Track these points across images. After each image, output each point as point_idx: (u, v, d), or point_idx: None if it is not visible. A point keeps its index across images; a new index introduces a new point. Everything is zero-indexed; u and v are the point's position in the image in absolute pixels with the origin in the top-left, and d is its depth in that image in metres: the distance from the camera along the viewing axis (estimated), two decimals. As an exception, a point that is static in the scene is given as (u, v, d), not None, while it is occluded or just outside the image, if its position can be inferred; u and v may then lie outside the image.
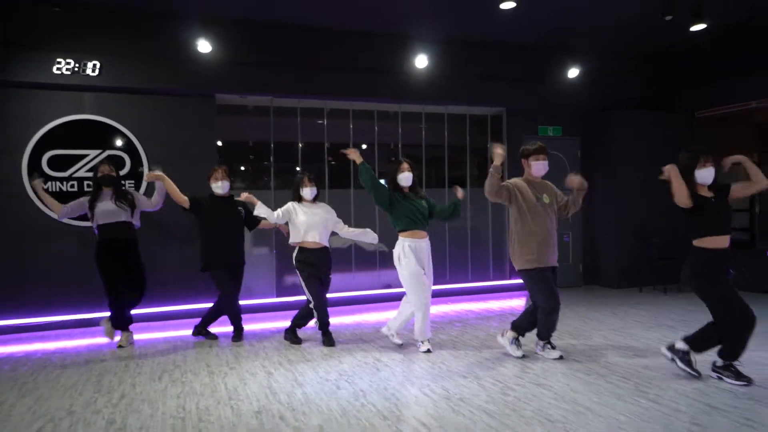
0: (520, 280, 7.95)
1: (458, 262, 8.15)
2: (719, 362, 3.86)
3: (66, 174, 6.24)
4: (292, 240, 5.21)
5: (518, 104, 8.19)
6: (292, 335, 5.32)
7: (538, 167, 4.47)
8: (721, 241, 3.81)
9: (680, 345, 3.94)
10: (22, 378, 4.37)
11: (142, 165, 6.52)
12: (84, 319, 6.19)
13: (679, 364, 3.91)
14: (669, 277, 7.70)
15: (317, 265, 5.11)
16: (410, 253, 4.71)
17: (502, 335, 4.71)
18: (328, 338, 5.17)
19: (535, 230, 4.33)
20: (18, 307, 6.03)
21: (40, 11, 6.02)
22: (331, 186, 7.47)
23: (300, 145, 7.37)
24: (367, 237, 5.34)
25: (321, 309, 5.09)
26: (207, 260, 5.30)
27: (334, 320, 6.25)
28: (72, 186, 6.25)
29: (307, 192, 5.19)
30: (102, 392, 3.93)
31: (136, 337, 5.54)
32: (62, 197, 6.00)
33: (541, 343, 4.60)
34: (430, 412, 3.38)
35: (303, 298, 5.32)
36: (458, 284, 8.04)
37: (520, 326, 4.62)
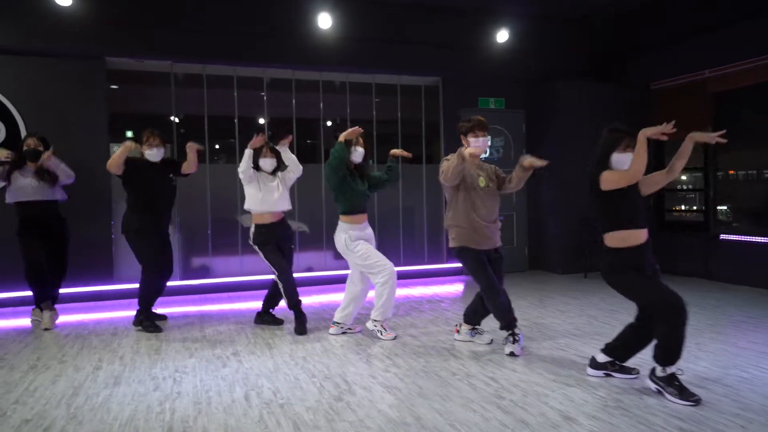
0: (457, 264, 7.62)
1: (390, 245, 7.53)
2: (659, 370, 3.10)
3: (-76, 144, 5.63)
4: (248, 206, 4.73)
5: (455, 73, 7.51)
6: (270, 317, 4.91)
7: (478, 144, 3.92)
8: (637, 236, 3.16)
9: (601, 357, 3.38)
10: None
11: (19, 133, 5.89)
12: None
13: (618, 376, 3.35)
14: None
15: (276, 235, 4.71)
16: (356, 238, 4.36)
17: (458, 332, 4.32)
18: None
19: (473, 213, 3.91)
20: None
21: None
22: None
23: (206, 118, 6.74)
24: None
25: (290, 281, 4.69)
26: (136, 228, 4.74)
27: (239, 305, 5.73)
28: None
29: (267, 164, 4.71)
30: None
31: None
32: None
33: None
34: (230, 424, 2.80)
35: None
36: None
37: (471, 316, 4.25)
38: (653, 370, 3.13)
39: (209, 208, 6.71)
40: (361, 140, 4.44)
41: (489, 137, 4.01)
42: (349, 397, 3.13)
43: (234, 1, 6.41)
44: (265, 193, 4.62)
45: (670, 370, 3.03)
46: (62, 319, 5.17)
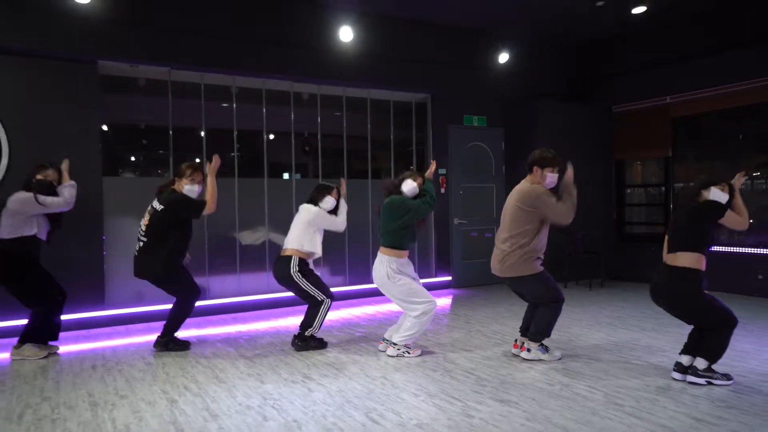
0: (445, 278, 7.80)
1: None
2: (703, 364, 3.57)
3: None
4: (310, 249, 4.61)
5: (444, 91, 7.73)
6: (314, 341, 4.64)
7: (553, 180, 4.12)
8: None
9: (699, 363, 3.62)
10: None
11: (0, 145, 5.24)
12: None
13: (716, 382, 3.58)
14: (591, 271, 7.65)
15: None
16: (398, 271, 4.34)
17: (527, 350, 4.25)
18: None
19: (543, 238, 4.17)
20: None
21: None
22: (242, 175, 6.57)
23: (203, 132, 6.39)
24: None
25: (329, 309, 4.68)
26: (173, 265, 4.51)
27: (247, 327, 5.47)
28: None
29: (330, 203, 4.74)
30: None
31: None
32: None
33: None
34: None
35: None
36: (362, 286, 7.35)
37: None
38: (694, 369, 3.56)
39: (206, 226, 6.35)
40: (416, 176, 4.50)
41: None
42: (475, 413, 3.16)
43: (234, 7, 6.17)
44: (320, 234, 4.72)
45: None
46: (63, 348, 4.67)
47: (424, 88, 7.62)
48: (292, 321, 5.73)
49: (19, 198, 4.28)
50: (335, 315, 6.01)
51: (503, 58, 7.62)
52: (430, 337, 4.99)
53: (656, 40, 7.71)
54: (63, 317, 4.72)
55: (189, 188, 4.47)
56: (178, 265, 4.56)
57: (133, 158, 6.57)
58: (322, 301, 4.52)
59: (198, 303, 4.78)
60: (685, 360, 3.63)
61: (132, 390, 3.67)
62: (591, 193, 7.45)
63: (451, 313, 6.18)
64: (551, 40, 8.16)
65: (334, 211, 4.78)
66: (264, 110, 6.72)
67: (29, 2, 5.23)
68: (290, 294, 4.76)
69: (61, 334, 4.75)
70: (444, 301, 6.93)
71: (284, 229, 4.95)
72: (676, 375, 3.65)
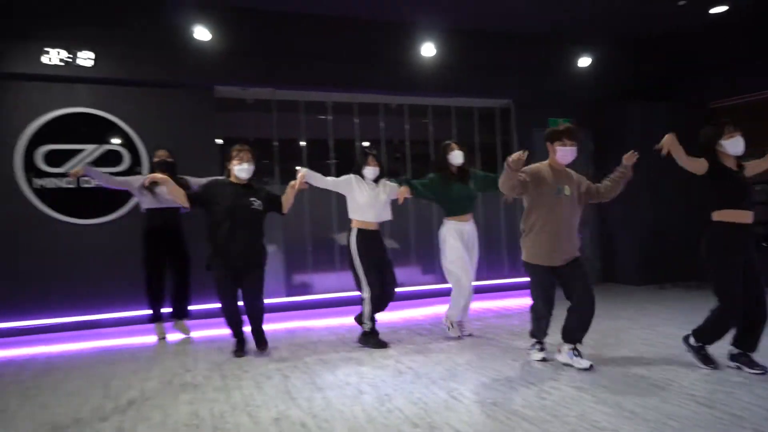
0: (516, 279, 7.99)
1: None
2: (734, 350, 3.79)
3: (63, 169, 5.95)
4: (351, 215, 4.76)
5: (526, 96, 7.95)
6: (373, 339, 4.76)
7: (564, 153, 3.91)
8: (743, 216, 3.66)
9: (692, 340, 3.89)
10: (25, 383, 4.10)
11: (140, 161, 6.23)
12: (88, 321, 5.92)
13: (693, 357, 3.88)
14: (687, 274, 7.52)
15: (375, 246, 4.73)
16: (456, 236, 4.81)
17: (559, 351, 4.16)
18: (371, 337, 4.79)
19: (549, 224, 3.89)
20: (14, 309, 5.74)
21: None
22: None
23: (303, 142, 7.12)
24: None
25: (376, 300, 4.70)
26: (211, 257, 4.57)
27: (339, 321, 6.05)
28: (69, 182, 5.96)
29: (369, 172, 4.74)
30: (109, 398, 3.67)
31: (142, 340, 5.34)
32: (60, 194, 5.85)
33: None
34: (463, 418, 3.14)
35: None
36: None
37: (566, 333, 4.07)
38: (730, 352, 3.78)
39: (306, 227, 7.05)
40: (456, 145, 4.93)
41: (576, 147, 3.93)
42: (547, 395, 3.48)
43: (327, 32, 6.82)
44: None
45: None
46: (201, 333, 5.49)
47: (505, 95, 7.91)
48: (391, 315, 6.26)
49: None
50: (431, 310, 6.47)
51: (584, 61, 7.73)
52: (518, 331, 5.30)
53: (752, 33, 7.45)
54: (204, 306, 5.77)
55: (239, 168, 4.44)
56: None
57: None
58: (364, 296, 4.63)
59: (304, 297, 5.45)
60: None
61: (254, 367, 4.35)
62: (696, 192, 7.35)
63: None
64: (632, 38, 8.11)
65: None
66: (357, 121, 7.35)
67: (159, 42, 6.17)
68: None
69: (202, 321, 5.73)
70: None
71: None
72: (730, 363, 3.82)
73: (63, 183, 5.94)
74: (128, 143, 6.19)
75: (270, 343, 4.95)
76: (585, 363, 3.92)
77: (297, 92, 7.02)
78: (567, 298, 4.00)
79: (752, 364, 3.69)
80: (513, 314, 6.20)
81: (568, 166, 4.08)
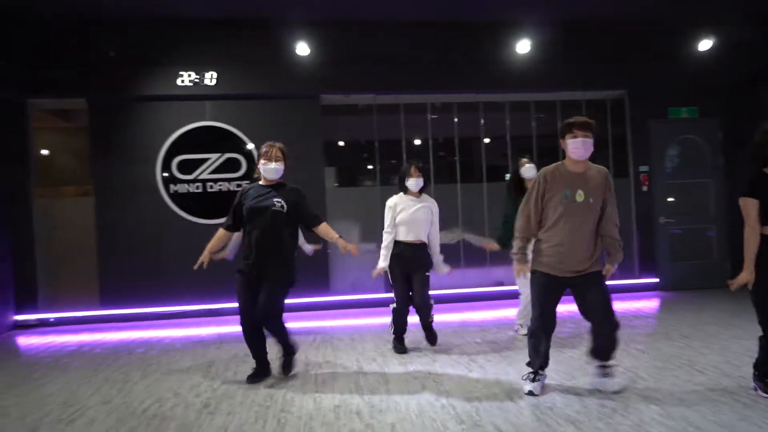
0: (643, 280, 7.45)
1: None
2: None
3: (192, 177, 6.84)
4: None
5: (642, 85, 7.39)
6: (396, 343, 4.83)
7: (576, 146, 3.38)
8: None
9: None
10: (149, 360, 4.85)
11: (255, 167, 6.92)
12: (210, 310, 6.74)
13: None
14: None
15: (409, 261, 4.63)
16: None
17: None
18: (399, 345, 4.78)
19: (556, 230, 3.43)
20: (156, 297, 6.72)
21: (162, 30, 6.64)
22: (437, 181, 7.35)
23: (404, 142, 7.37)
24: (433, 243, 4.78)
25: (399, 314, 4.68)
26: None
27: (437, 318, 6.18)
28: (197, 187, 6.84)
29: (413, 183, 4.66)
30: (207, 378, 4.23)
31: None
32: (188, 198, 6.70)
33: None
34: (511, 419, 3.15)
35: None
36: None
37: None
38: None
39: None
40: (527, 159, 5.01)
41: (590, 138, 3.40)
42: (609, 402, 3.34)
43: (422, 36, 6.98)
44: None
45: None
46: (295, 325, 6.01)
47: (619, 86, 7.43)
48: (477, 315, 6.31)
49: None
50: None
51: (705, 44, 7.00)
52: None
53: None
54: (295, 300, 6.21)
55: (265, 167, 3.96)
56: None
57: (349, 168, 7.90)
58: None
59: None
60: None
61: (336, 356, 4.70)
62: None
63: (658, 317, 6.00)
64: (762, 14, 7.12)
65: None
66: (456, 120, 7.44)
67: (269, 59, 6.79)
68: (481, 289, 5.30)
69: (294, 314, 6.21)
70: (649, 303, 6.71)
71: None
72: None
73: (191, 188, 6.82)
74: (245, 151, 6.92)
75: (359, 337, 5.26)
76: (614, 385, 3.52)
77: (397, 96, 7.28)
78: (582, 316, 3.56)
79: None
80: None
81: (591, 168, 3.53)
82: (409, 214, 4.62)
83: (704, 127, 7.57)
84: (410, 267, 4.64)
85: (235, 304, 3.94)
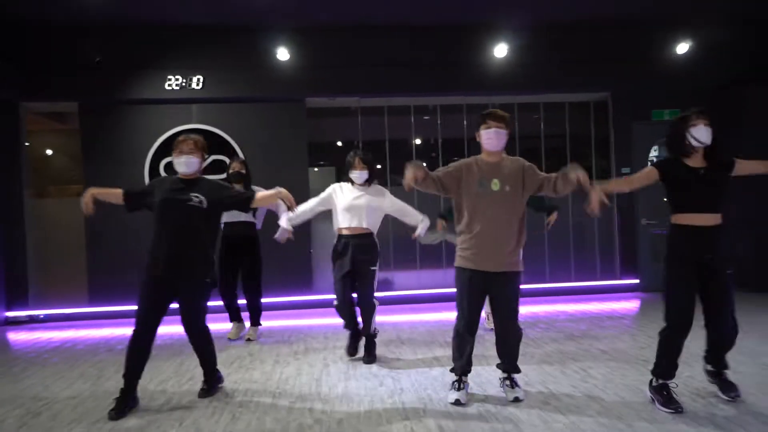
0: (631, 281, 7.50)
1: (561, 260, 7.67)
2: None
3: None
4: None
5: (625, 87, 7.44)
6: (349, 341, 4.66)
7: (489, 137, 3.40)
8: (694, 219, 3.23)
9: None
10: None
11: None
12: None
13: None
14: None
15: (352, 252, 4.33)
16: None
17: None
18: (352, 345, 4.62)
19: (474, 226, 3.40)
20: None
21: (150, 35, 6.81)
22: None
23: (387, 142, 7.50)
24: (411, 219, 4.52)
25: (339, 311, 4.52)
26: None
27: (400, 318, 6.29)
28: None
29: (356, 176, 4.43)
30: (178, 373, 4.38)
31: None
32: (172, 199, 6.83)
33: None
34: (453, 416, 3.26)
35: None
36: (559, 284, 7.54)
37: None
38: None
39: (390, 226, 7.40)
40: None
41: (503, 129, 3.41)
42: (556, 404, 3.44)
43: (406, 40, 7.08)
44: None
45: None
46: (277, 323, 6.13)
47: (602, 88, 7.49)
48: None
49: None
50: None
51: (682, 48, 7.03)
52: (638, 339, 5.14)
53: None
54: (279, 299, 6.34)
55: (177, 160, 3.71)
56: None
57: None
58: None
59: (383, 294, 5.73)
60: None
61: (306, 353, 4.83)
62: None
63: (640, 317, 6.07)
64: (744, 17, 7.12)
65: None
66: (439, 122, 7.55)
67: (255, 63, 6.93)
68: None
69: (276, 312, 6.32)
70: (627, 304, 6.77)
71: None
72: None
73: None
74: (231, 153, 7.07)
75: (333, 335, 5.40)
76: (516, 393, 3.47)
77: (381, 98, 7.40)
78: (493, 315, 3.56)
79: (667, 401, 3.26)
80: (584, 318, 5.96)
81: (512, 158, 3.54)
82: (348, 200, 4.39)
83: (688, 129, 7.58)
84: (353, 260, 4.32)
85: (218, 302, 3.96)
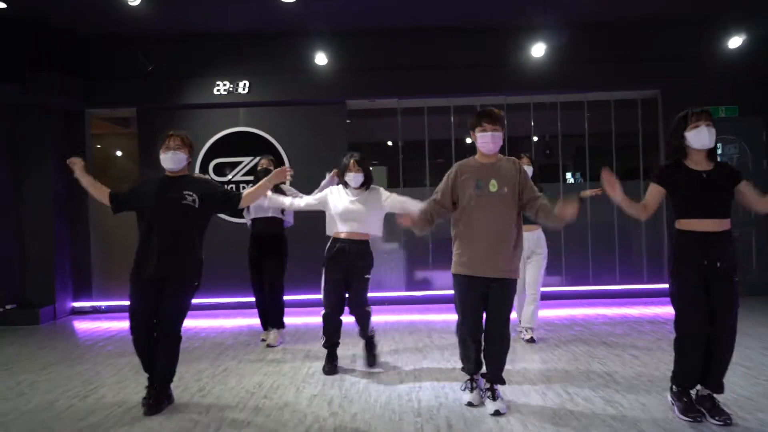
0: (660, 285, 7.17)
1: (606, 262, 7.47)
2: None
3: (226, 179, 7.37)
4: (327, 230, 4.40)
5: (676, 84, 7.15)
6: (326, 360, 4.38)
7: (485, 140, 3.32)
8: (700, 225, 3.07)
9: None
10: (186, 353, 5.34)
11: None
12: (237, 302, 7.22)
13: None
14: None
15: (348, 260, 4.17)
16: None
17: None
18: (329, 363, 4.34)
19: (470, 229, 3.34)
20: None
21: (200, 45, 7.19)
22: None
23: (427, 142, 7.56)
24: (410, 206, 4.07)
25: (325, 320, 4.28)
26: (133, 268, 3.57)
27: (434, 317, 6.33)
28: (231, 188, 7.33)
29: (351, 178, 4.26)
30: (213, 365, 4.65)
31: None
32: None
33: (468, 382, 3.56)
34: (467, 418, 3.31)
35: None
36: (602, 286, 7.36)
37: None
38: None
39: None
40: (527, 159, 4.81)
41: (500, 132, 3.33)
42: (572, 407, 3.42)
43: (446, 41, 7.12)
44: None
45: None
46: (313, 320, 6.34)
47: (651, 85, 7.25)
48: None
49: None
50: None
51: (735, 42, 6.66)
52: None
53: None
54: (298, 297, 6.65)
55: (163, 156, 3.59)
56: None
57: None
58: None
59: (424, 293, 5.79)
60: None
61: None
62: None
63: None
64: None
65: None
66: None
67: (298, 67, 7.15)
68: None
69: (296, 310, 6.62)
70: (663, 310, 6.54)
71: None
72: None
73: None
74: (275, 154, 7.35)
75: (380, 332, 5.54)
76: (495, 407, 3.32)
77: (420, 100, 7.47)
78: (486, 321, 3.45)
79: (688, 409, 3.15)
80: (623, 322, 5.80)
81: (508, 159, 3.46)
82: (344, 204, 4.22)
83: (745, 126, 7.22)
84: (348, 268, 4.18)
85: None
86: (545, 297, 7.12)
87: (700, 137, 3.06)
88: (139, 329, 3.50)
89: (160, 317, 3.46)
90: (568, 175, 8.02)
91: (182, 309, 3.54)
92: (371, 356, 4.45)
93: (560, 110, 7.49)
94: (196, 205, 3.53)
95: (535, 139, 7.64)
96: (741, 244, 7.22)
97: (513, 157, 3.53)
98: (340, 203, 4.24)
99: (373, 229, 4.29)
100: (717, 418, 3.04)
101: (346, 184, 4.30)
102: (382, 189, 4.37)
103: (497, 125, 3.32)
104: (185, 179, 3.62)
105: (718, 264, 3.05)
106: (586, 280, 7.38)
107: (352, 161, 4.23)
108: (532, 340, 4.97)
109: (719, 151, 7.14)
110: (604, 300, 7.13)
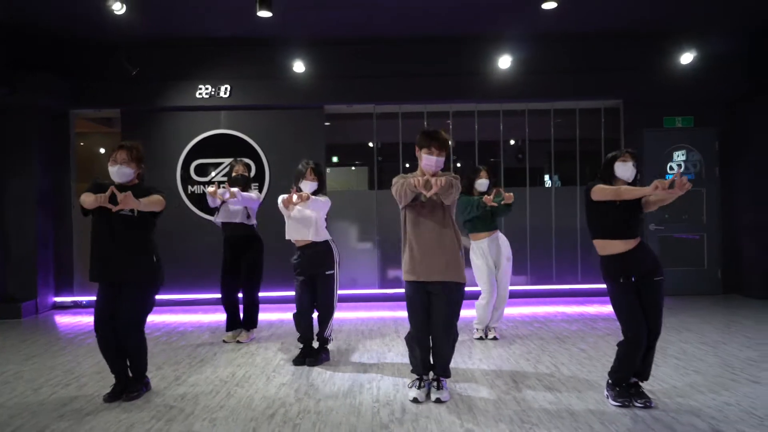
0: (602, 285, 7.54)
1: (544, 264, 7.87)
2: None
3: (207, 179, 7.63)
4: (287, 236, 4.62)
5: (637, 94, 7.56)
6: (299, 353, 4.67)
7: (429, 162, 3.57)
8: (615, 246, 3.50)
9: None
10: (153, 341, 5.61)
11: (264, 169, 7.64)
12: (215, 299, 7.45)
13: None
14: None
15: (307, 262, 4.49)
16: (479, 253, 5.22)
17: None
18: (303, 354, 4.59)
19: (415, 234, 3.64)
20: (172, 285, 7.53)
21: (183, 49, 7.44)
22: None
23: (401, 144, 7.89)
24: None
25: (294, 319, 4.58)
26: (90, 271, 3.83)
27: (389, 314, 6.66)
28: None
29: (306, 186, 4.47)
30: (190, 356, 4.92)
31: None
32: (203, 198, 7.43)
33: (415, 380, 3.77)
34: (420, 400, 3.64)
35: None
36: (566, 285, 7.76)
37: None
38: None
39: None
40: (485, 173, 5.22)
41: (443, 158, 3.59)
42: (515, 394, 3.77)
43: (422, 48, 7.45)
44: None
45: None
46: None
47: (614, 95, 7.64)
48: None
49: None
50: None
51: (686, 58, 7.09)
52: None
53: None
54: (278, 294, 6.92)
55: (111, 169, 3.73)
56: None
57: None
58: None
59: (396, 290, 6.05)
60: None
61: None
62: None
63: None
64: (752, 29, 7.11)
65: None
66: (452, 126, 7.88)
67: (278, 73, 7.44)
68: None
69: (276, 306, 6.85)
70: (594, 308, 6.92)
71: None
72: None
73: (205, 189, 7.58)
74: (255, 156, 7.64)
75: (352, 328, 5.85)
76: (438, 395, 3.61)
77: (395, 105, 7.80)
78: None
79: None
80: (579, 320, 6.18)
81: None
82: (295, 211, 4.45)
83: (700, 136, 7.65)
84: (310, 269, 4.50)
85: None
86: (511, 295, 7.56)
87: (625, 170, 3.52)
88: (102, 334, 3.79)
89: (121, 318, 3.72)
90: (546, 178, 8.36)
91: (138, 310, 3.76)
92: (314, 357, 4.56)
93: (528, 117, 7.86)
94: (135, 215, 3.68)
95: (512, 143, 8.00)
96: (693, 246, 7.69)
97: (449, 173, 3.72)
98: (294, 210, 4.46)
99: (321, 235, 4.52)
100: (639, 401, 3.46)
101: (299, 191, 4.45)
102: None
103: (443, 151, 3.57)
104: (130, 189, 3.59)
105: (638, 275, 3.50)
106: (550, 280, 7.77)
107: (308, 169, 4.45)
108: (495, 338, 5.33)
109: (683, 158, 7.65)
110: (566, 298, 7.54)
